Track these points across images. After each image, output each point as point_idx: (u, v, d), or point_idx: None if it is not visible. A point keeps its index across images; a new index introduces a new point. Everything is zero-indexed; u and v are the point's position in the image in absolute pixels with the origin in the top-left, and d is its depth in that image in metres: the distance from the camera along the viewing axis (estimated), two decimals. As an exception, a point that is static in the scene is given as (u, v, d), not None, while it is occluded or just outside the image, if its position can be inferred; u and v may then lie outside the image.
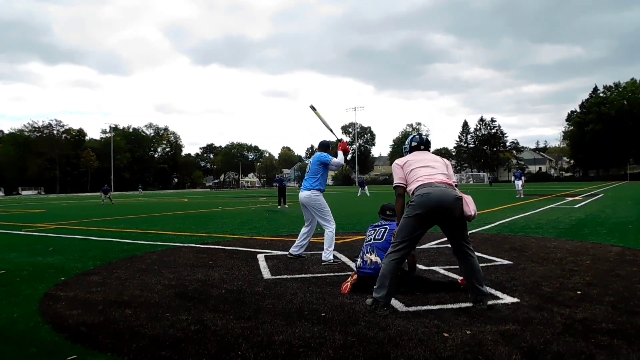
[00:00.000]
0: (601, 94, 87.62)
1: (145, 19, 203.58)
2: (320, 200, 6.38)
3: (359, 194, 33.07)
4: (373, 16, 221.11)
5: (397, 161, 4.25)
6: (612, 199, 20.93)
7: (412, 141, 4.41)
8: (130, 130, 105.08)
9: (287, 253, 6.71)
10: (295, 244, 6.59)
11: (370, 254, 4.53)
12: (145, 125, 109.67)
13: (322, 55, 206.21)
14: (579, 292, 4.30)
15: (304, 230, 6.60)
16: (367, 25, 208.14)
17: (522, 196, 23.27)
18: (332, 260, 6.14)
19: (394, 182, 4.13)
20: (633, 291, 4.32)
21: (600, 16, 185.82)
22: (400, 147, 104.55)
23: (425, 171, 3.99)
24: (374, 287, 3.90)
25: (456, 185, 4.03)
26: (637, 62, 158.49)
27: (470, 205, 3.82)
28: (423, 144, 4.37)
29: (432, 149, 4.50)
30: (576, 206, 16.38)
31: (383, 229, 4.66)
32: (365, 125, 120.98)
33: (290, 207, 18.89)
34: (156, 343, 3.20)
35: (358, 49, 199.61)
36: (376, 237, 4.61)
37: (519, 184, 24.94)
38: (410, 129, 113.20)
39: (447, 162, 4.26)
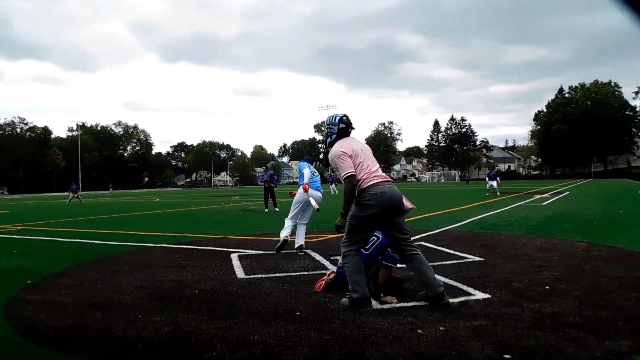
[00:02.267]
0: (566, 95, 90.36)
1: (112, 14, 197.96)
2: (297, 196, 6.93)
3: (335, 192, 33.11)
4: (344, 15, 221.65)
5: (342, 148, 4.04)
6: (578, 197, 21.59)
7: (341, 122, 4.22)
8: (99, 128, 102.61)
9: (262, 252, 6.71)
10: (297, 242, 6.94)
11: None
12: (114, 124, 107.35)
13: (293, 53, 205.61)
14: (547, 287, 4.42)
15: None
16: (338, 24, 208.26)
17: (499, 193, 23.79)
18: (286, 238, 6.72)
19: (346, 171, 3.93)
20: (598, 285, 4.47)
21: (564, 19, 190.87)
22: (373, 146, 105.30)
23: (374, 167, 4.03)
24: (350, 289, 3.90)
25: None
26: (600, 64, 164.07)
27: (406, 201, 4.11)
28: (350, 126, 4.26)
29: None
30: (544, 204, 16.83)
31: (375, 238, 4.30)
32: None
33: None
34: (130, 345, 3.14)
35: (329, 48, 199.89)
36: (367, 245, 4.27)
37: (493, 184, 25.25)
38: (382, 128, 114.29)
39: None
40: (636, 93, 65.17)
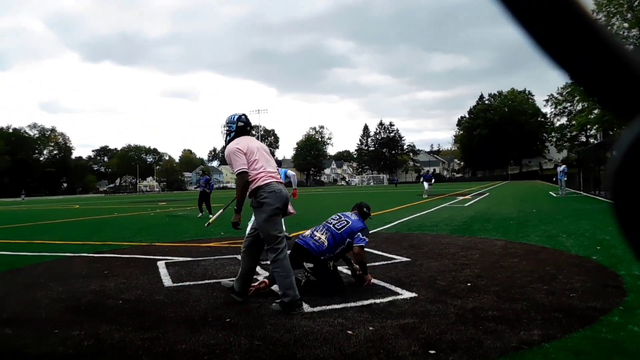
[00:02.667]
0: (486, 101, 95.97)
1: (25, 7, 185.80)
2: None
3: None
4: (274, 19, 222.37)
5: (238, 146, 4.11)
6: (496, 198, 22.96)
7: (239, 121, 4.32)
8: (10, 130, 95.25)
9: (190, 259, 6.51)
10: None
11: (322, 234, 4.60)
12: (29, 126, 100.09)
13: (223, 55, 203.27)
14: (469, 284, 4.66)
15: None
16: (268, 28, 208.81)
17: (425, 196, 24.55)
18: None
19: (240, 167, 4.01)
20: (514, 280, 4.77)
21: (483, 30, 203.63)
22: (304, 150, 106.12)
23: (268, 167, 4.14)
24: (281, 293, 3.91)
25: None
26: (516, 73, 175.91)
27: (290, 206, 4.32)
28: (250, 125, 4.38)
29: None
30: (466, 205, 17.73)
31: (345, 222, 4.68)
32: (269, 127, 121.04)
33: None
34: (43, 363, 2.92)
35: (260, 51, 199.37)
36: (336, 226, 4.65)
37: (425, 184, 25.56)
38: (314, 132, 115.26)
39: None
40: (547, 101, 70.37)
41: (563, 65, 0.37)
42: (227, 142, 4.29)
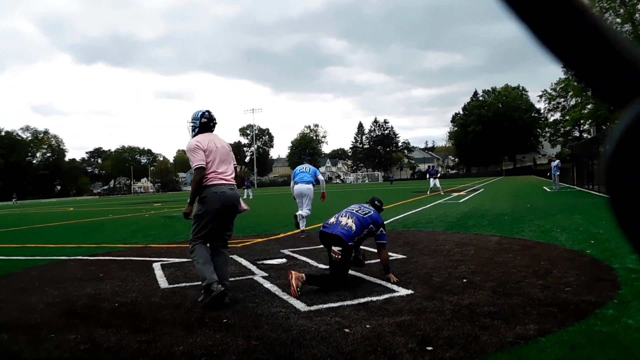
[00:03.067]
0: (480, 98, 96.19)
1: (16, 9, 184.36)
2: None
3: (250, 196, 31.92)
4: (267, 18, 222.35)
5: (197, 142, 4.28)
6: (491, 193, 23.04)
7: (202, 117, 4.46)
8: (3, 133, 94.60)
9: (186, 260, 6.49)
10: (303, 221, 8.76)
11: (348, 218, 4.77)
12: (21, 128, 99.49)
13: (216, 56, 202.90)
14: (465, 280, 4.68)
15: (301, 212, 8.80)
16: (261, 27, 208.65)
17: (428, 193, 23.37)
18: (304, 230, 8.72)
19: (197, 162, 4.19)
20: (509, 275, 4.79)
21: (476, 27, 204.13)
22: (298, 149, 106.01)
23: (222, 167, 4.32)
24: (203, 284, 4.12)
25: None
26: (509, 70, 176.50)
27: (243, 203, 4.56)
28: (213, 121, 4.52)
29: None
30: (461, 201, 17.78)
31: (368, 211, 4.94)
32: (263, 127, 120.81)
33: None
34: (39, 367, 2.91)
35: (253, 51, 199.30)
36: (359, 212, 4.88)
37: (436, 182, 23.96)
38: (308, 131, 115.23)
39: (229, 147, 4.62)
40: (540, 96, 70.64)
41: (556, 53, 0.37)
42: (192, 137, 4.47)
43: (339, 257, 4.53)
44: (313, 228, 9.29)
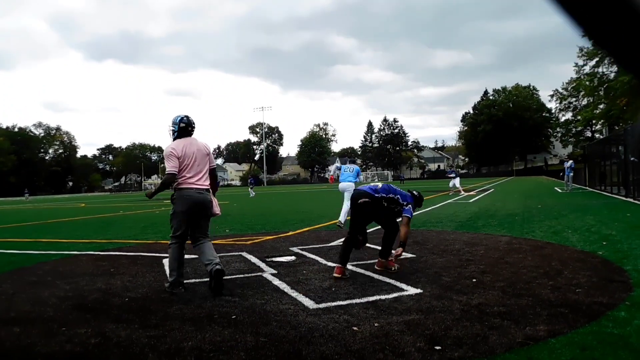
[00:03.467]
0: (491, 97, 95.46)
1: (28, 8, 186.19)
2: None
3: (251, 195, 30.73)
4: (276, 16, 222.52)
5: (174, 148, 4.60)
6: (501, 193, 22.88)
7: (181, 122, 4.73)
8: (16, 130, 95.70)
9: (195, 256, 6.53)
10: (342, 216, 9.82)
11: (377, 182, 5.59)
12: (34, 125, 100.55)
13: (225, 54, 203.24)
14: (474, 280, 4.65)
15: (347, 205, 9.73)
16: (270, 25, 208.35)
17: (451, 193, 22.70)
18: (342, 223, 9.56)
19: (170, 169, 4.56)
20: (519, 276, 4.76)
21: (485, 25, 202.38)
22: (308, 147, 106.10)
23: (195, 173, 4.63)
24: (168, 272, 4.68)
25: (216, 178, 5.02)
26: (519, 68, 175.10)
27: (216, 207, 4.88)
28: (191, 125, 4.79)
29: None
30: (471, 201, 17.69)
31: (397, 187, 5.44)
32: (273, 125, 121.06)
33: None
34: (51, 360, 2.95)
35: (262, 49, 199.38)
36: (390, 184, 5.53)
37: (456, 182, 23.54)
38: (318, 129, 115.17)
39: (209, 148, 4.92)
40: (551, 96, 69.90)
41: (589, 31, 0.36)
42: (172, 141, 4.78)
43: (366, 202, 5.08)
44: (327, 225, 9.27)
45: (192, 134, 4.80)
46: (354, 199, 5.22)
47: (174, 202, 4.65)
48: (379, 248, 6.28)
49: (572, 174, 22.85)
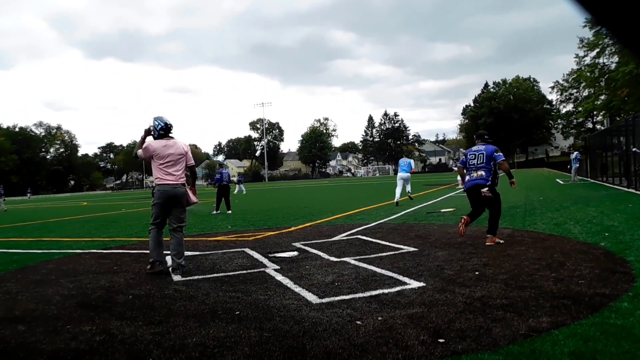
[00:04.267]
0: (491, 90, 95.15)
1: (26, 6, 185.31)
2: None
3: (235, 191, 28.84)
4: (275, 12, 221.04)
5: (151, 144, 5.49)
6: (502, 186, 22.78)
7: (161, 130, 5.55)
8: (17, 129, 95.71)
9: (198, 253, 6.55)
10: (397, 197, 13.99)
11: (476, 172, 6.44)
12: (35, 124, 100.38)
13: (224, 50, 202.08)
14: (477, 273, 4.66)
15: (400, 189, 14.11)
16: (269, 21, 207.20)
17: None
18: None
19: (140, 152, 5.58)
20: (522, 268, 4.77)
21: (484, 18, 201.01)
22: (308, 143, 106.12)
23: (172, 170, 5.43)
24: (149, 255, 5.44)
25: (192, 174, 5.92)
26: (519, 61, 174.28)
27: (192, 197, 5.65)
28: (168, 129, 5.58)
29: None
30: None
31: (480, 154, 6.47)
32: (273, 120, 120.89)
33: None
34: (56, 358, 2.96)
35: (261, 45, 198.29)
36: (477, 163, 6.44)
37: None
38: (318, 124, 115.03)
39: (187, 148, 5.67)
40: (552, 88, 69.60)
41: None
42: (154, 138, 5.58)
43: (489, 194, 6.32)
44: (328, 220, 9.27)
45: (170, 134, 5.59)
46: (474, 190, 6.45)
47: (153, 195, 5.53)
48: (382, 242, 6.30)
49: (577, 165, 22.80)
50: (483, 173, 6.36)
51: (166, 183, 5.40)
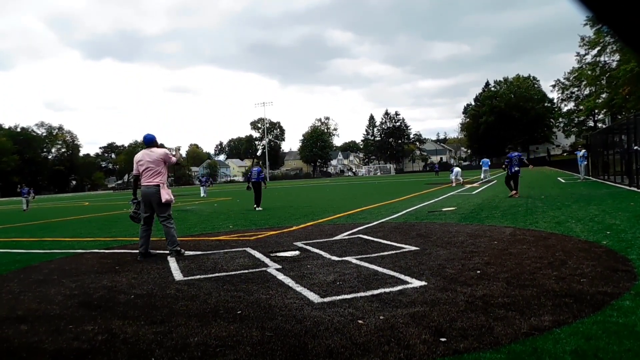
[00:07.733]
0: (492, 88, 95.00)
1: (25, 8, 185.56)
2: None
3: (202, 194, 27.75)
4: (273, 11, 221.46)
5: (136, 157, 6.81)
6: (504, 185, 22.78)
7: (144, 143, 6.85)
8: (18, 130, 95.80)
9: (200, 252, 6.55)
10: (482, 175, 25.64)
11: (513, 167, 13.88)
12: (36, 124, 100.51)
13: (223, 50, 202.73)
14: (478, 272, 4.66)
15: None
16: (267, 21, 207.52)
17: (462, 182, 24.26)
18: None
19: (134, 172, 6.80)
20: (523, 267, 4.76)
21: (482, 17, 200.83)
22: (309, 142, 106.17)
23: (148, 175, 6.58)
24: (139, 245, 6.60)
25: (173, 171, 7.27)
26: (519, 59, 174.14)
27: (164, 195, 6.54)
28: (149, 143, 6.77)
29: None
30: (474, 193, 17.67)
31: (513, 159, 14.10)
32: (274, 120, 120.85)
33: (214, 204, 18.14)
34: (59, 358, 2.97)
35: (259, 44, 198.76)
36: (513, 164, 14.09)
37: (458, 172, 24.43)
38: (319, 124, 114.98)
39: (163, 153, 6.78)
40: (553, 86, 69.47)
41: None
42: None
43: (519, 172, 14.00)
44: (329, 220, 9.24)
45: (150, 146, 6.77)
46: (514, 173, 13.96)
47: (139, 196, 6.80)
48: (384, 242, 6.32)
49: (585, 162, 22.68)
50: (516, 167, 14.00)
51: (145, 185, 6.64)
